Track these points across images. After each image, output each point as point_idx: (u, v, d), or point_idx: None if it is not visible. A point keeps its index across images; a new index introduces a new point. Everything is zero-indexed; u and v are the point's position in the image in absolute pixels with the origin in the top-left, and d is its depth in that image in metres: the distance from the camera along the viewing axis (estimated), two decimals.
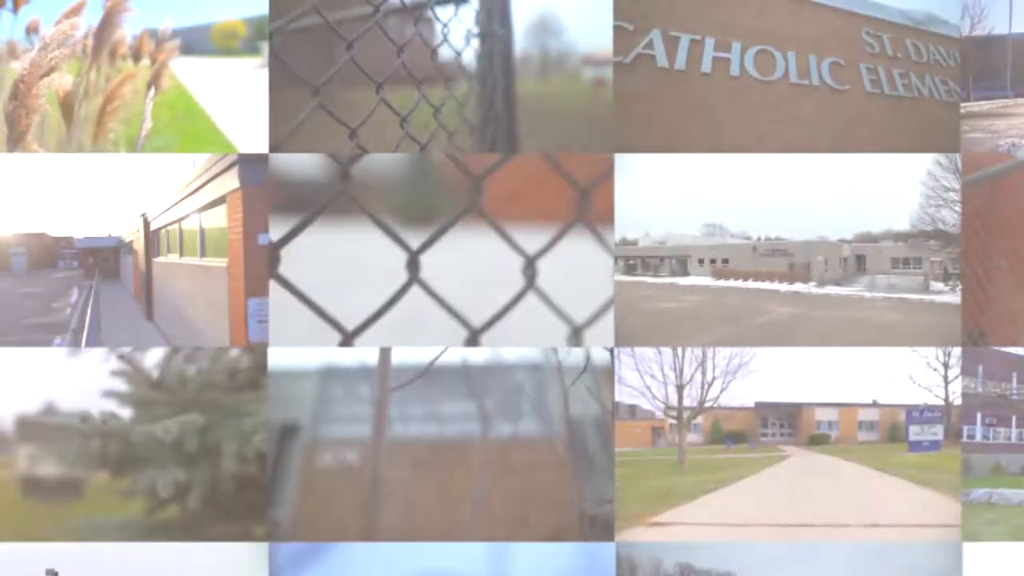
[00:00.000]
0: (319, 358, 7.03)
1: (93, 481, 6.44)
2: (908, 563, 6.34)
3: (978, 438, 7.41)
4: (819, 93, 6.62)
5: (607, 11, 5.48)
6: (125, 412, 6.25)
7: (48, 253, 8.58)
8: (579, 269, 6.12)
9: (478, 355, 6.22)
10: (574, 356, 6.06)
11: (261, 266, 7.10)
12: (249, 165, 6.79)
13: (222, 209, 7.71)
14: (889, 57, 6.95)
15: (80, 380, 6.14)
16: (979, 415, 7.42)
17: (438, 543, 6.02)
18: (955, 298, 6.71)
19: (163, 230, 9.50)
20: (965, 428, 6.93)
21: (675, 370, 6.96)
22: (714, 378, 7.20)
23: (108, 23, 6.63)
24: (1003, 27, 6.73)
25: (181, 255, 9.09)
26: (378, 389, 5.39)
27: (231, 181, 7.16)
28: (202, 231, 8.53)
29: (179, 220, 9.04)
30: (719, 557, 6.42)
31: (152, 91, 6.88)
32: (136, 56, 7.08)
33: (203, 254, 8.49)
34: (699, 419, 7.83)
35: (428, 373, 5.22)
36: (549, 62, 5.99)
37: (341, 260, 7.61)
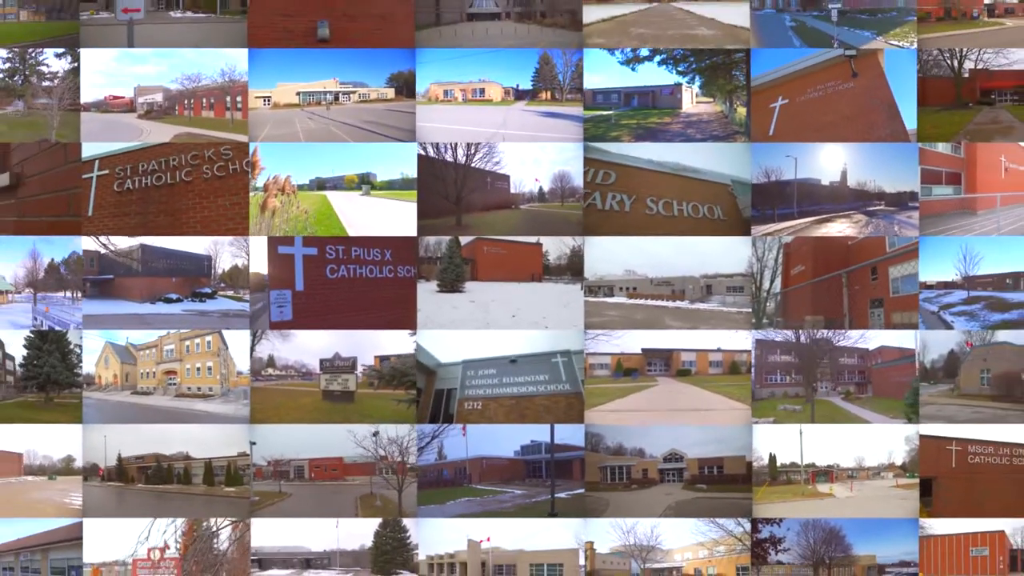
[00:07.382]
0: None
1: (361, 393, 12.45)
2: (720, 435, 12.53)
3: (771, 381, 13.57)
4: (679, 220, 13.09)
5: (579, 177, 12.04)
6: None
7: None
8: (560, 294, 12.62)
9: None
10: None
11: (280, 269, 11.50)
12: None
13: None
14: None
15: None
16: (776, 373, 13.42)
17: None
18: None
19: None
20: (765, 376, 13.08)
21: None
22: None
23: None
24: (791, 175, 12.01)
25: None
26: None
27: None
28: None
29: None
30: (607, 432, 12.38)
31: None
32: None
33: None
34: (608, 360, 12.35)
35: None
36: (564, 195, 12.51)
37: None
